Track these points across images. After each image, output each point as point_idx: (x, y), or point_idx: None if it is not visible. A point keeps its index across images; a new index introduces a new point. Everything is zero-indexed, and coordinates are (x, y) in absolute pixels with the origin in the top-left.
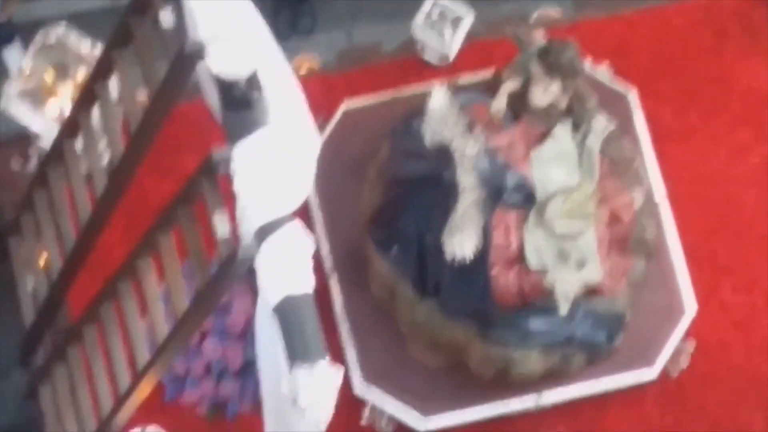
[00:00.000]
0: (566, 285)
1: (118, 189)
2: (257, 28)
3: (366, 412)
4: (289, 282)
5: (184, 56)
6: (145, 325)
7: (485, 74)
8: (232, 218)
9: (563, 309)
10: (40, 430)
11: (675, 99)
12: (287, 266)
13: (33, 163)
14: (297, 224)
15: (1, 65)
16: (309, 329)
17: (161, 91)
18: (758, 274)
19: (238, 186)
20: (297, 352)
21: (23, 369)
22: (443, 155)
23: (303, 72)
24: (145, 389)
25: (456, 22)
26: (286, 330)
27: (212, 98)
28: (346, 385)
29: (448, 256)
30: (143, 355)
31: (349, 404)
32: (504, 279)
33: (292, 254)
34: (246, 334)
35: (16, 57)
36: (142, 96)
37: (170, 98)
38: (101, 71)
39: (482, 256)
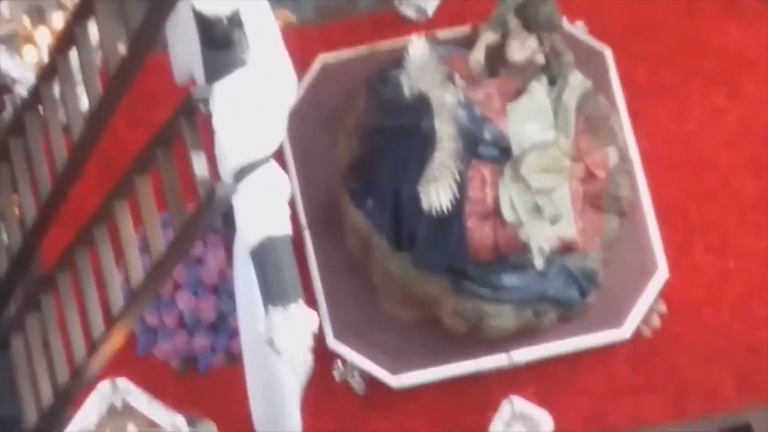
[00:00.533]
0: (541, 239)
1: (95, 134)
2: None
3: (338, 368)
4: (267, 223)
5: None
6: (119, 273)
7: (463, 30)
8: (210, 159)
9: (538, 263)
10: (12, 380)
11: (650, 58)
12: (265, 207)
13: (8, 111)
14: (275, 166)
15: None
16: (286, 271)
17: (141, 31)
18: (730, 235)
19: (217, 125)
20: (273, 294)
21: None
22: (421, 105)
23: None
24: (118, 337)
25: None
26: (262, 271)
27: (179, 46)
28: (319, 339)
29: (425, 205)
30: (118, 302)
31: (321, 359)
32: (479, 232)
33: (270, 195)
34: (219, 288)
35: None
36: (120, 41)
37: (149, 39)
38: (81, 14)
39: (458, 207)
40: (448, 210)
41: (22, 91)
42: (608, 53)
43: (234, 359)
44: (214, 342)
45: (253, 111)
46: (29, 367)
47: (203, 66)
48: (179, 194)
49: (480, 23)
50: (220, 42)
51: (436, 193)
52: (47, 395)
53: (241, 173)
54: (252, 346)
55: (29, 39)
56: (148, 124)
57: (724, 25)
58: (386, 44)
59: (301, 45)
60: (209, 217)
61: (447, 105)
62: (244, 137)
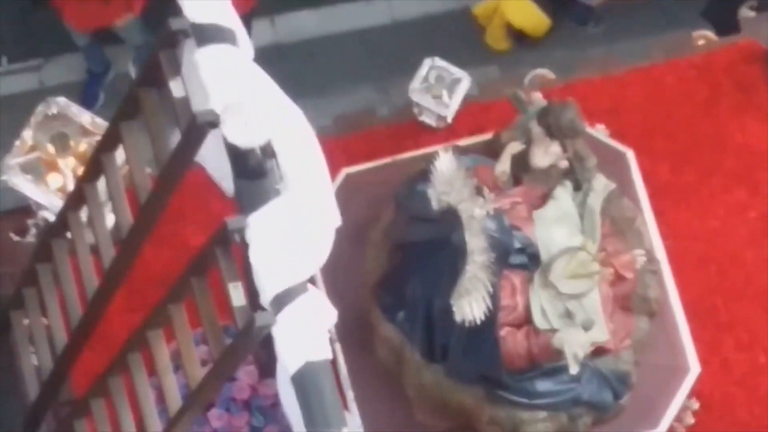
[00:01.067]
0: (575, 346)
1: (127, 260)
2: (272, 94)
3: None
4: (306, 349)
5: (197, 125)
6: (154, 398)
7: (484, 136)
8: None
9: (573, 369)
10: None
11: (671, 157)
12: (305, 334)
13: (31, 235)
14: (315, 292)
15: None
16: (327, 397)
17: (172, 160)
18: (758, 330)
19: (253, 256)
20: (316, 422)
21: None
22: (450, 218)
23: None
24: None
25: (453, 84)
26: (303, 398)
27: (215, 166)
28: None
29: (458, 318)
30: (155, 428)
31: None
32: (512, 340)
33: (309, 322)
34: (251, 404)
35: None
36: (147, 169)
37: (181, 167)
38: (108, 142)
39: (490, 318)
40: (477, 323)
41: (47, 216)
42: (630, 155)
43: None
44: None
45: (289, 240)
46: None
47: (237, 197)
48: (216, 323)
49: (501, 130)
50: (253, 173)
51: (469, 306)
52: None
53: (278, 302)
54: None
55: (53, 166)
56: (174, 242)
57: (741, 121)
58: (408, 153)
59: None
60: (249, 347)
61: (476, 218)
62: (280, 266)
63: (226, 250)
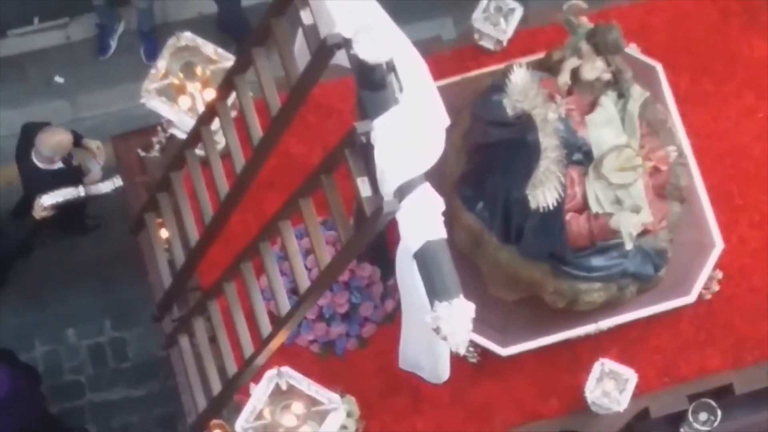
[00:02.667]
0: (629, 226)
1: (257, 166)
2: (387, 21)
3: None
4: (426, 230)
5: (326, 47)
6: (282, 280)
7: (534, 56)
8: None
9: (628, 245)
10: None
11: (691, 70)
12: (424, 218)
13: (155, 150)
14: (428, 185)
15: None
16: (446, 269)
17: (303, 77)
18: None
19: (379, 154)
20: (437, 290)
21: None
22: (524, 122)
23: None
24: (283, 335)
25: (508, 13)
26: (426, 272)
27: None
28: None
29: (533, 205)
30: (285, 307)
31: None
32: (576, 223)
33: (427, 208)
34: (350, 284)
35: None
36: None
37: (309, 84)
38: (241, 65)
39: (559, 204)
40: (551, 208)
41: (176, 132)
42: (659, 68)
43: (364, 342)
44: (348, 329)
45: (409, 139)
46: (197, 362)
47: (361, 105)
48: (343, 213)
49: (551, 50)
50: (377, 85)
51: (543, 195)
52: (216, 384)
53: (401, 192)
54: (413, 319)
55: (182, 90)
56: (276, 152)
57: (748, 37)
58: (473, 72)
59: None
60: (375, 230)
61: (549, 121)
62: (401, 162)
63: (354, 151)
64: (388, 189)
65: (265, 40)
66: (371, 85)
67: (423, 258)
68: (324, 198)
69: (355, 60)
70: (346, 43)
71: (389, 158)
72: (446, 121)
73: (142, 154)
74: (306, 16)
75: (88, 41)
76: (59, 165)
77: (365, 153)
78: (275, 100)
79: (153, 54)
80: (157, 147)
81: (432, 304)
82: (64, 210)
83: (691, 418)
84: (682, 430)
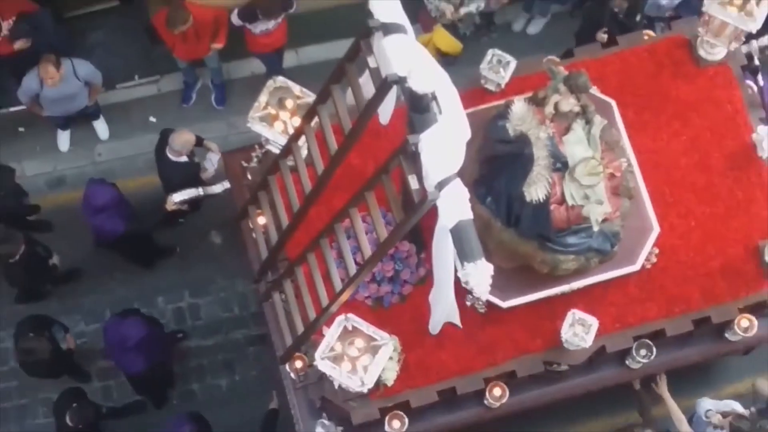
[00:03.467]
0: (597, 214)
1: (333, 170)
2: (431, 61)
3: (469, 297)
4: (459, 213)
5: (387, 83)
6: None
7: (524, 95)
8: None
9: (595, 227)
10: (273, 322)
11: (635, 105)
12: (457, 204)
13: (254, 163)
14: (459, 180)
15: (93, 133)
16: (473, 240)
17: (368, 105)
18: (689, 205)
19: (425, 157)
20: (467, 254)
21: (255, 285)
22: (522, 140)
23: None
24: (350, 290)
25: (506, 65)
26: (459, 242)
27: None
28: (457, 280)
29: (528, 199)
30: (352, 269)
31: (458, 292)
32: (558, 212)
33: (459, 197)
34: (395, 256)
35: (103, 128)
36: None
37: (372, 110)
38: (322, 97)
39: (546, 198)
40: (541, 201)
41: (272, 148)
42: (613, 104)
43: (404, 298)
44: (393, 288)
45: (445, 148)
46: (285, 312)
47: (410, 123)
48: (398, 201)
49: (536, 90)
50: (423, 109)
51: (536, 191)
52: (299, 327)
53: (440, 185)
54: (442, 280)
55: (276, 117)
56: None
57: (676, 83)
58: (480, 107)
59: None
60: (421, 213)
61: (541, 138)
62: (441, 164)
63: (406, 156)
64: (430, 183)
65: (340, 79)
66: (419, 109)
67: (457, 232)
68: (383, 193)
69: (408, 91)
70: (401, 80)
71: (432, 161)
72: (469, 134)
73: (245, 164)
74: (371, 61)
75: (173, 92)
76: (185, 159)
77: (414, 158)
78: (347, 123)
79: (222, 100)
80: (255, 160)
81: (462, 264)
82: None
83: (634, 353)
84: (627, 361)
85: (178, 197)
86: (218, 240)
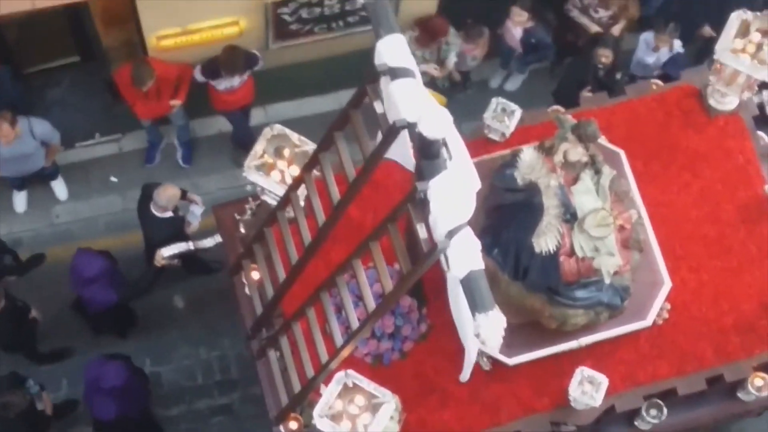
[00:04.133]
0: (609, 266)
1: (335, 221)
2: (438, 107)
3: None
4: (469, 262)
5: (395, 128)
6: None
7: (529, 145)
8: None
9: (607, 280)
10: (267, 380)
11: (644, 156)
12: (467, 254)
13: (247, 215)
14: (469, 228)
15: (51, 193)
16: (484, 290)
17: (375, 152)
18: (701, 259)
19: (434, 205)
20: (477, 306)
21: (248, 342)
22: (531, 188)
23: None
24: (353, 344)
25: (510, 114)
26: (470, 292)
27: (399, 155)
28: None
29: (537, 250)
30: (355, 324)
31: (461, 349)
32: (568, 264)
33: (469, 246)
34: (395, 311)
35: (61, 188)
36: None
37: (379, 157)
38: (325, 144)
39: (556, 250)
40: (551, 252)
41: (268, 199)
42: (622, 154)
43: (405, 355)
44: (394, 345)
45: (455, 195)
46: (281, 369)
47: (418, 170)
48: (404, 251)
49: (544, 140)
50: (433, 155)
51: (545, 242)
52: (296, 385)
53: (450, 234)
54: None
55: (273, 166)
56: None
57: (686, 133)
58: (486, 157)
59: None
60: (429, 264)
61: (551, 187)
62: (451, 212)
63: (415, 205)
64: (440, 232)
65: (344, 126)
66: (428, 155)
67: (468, 282)
68: (386, 244)
69: (418, 136)
70: (409, 126)
71: (442, 209)
72: (479, 184)
73: (238, 217)
74: (378, 106)
75: (136, 151)
76: (170, 214)
77: (422, 206)
78: (351, 170)
79: (189, 159)
80: (248, 212)
81: (474, 316)
82: (186, 258)
83: (644, 413)
84: (636, 422)
85: (168, 252)
86: (180, 305)
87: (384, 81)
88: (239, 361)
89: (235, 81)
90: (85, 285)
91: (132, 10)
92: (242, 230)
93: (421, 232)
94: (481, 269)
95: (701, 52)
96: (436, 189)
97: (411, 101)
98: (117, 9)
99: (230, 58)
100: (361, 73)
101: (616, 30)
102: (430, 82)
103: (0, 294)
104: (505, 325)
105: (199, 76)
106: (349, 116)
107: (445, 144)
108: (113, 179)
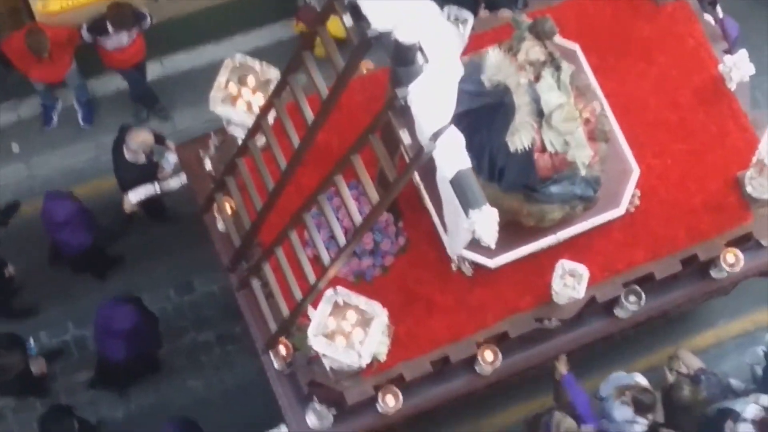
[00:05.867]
0: (582, 157)
1: (309, 142)
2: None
3: (454, 261)
4: (457, 162)
5: (367, 39)
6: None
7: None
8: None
9: (583, 171)
10: (250, 310)
11: (597, 50)
12: (454, 153)
13: (211, 150)
14: (453, 128)
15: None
16: (474, 188)
17: (348, 65)
18: (664, 144)
19: (416, 110)
20: (470, 203)
21: (229, 273)
22: (500, 89)
23: (364, 71)
24: (342, 260)
25: (464, 21)
26: (460, 191)
27: None
28: (441, 245)
29: (512, 148)
30: (342, 241)
31: (441, 258)
32: (542, 160)
33: (455, 145)
34: (374, 227)
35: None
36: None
37: (351, 71)
38: (293, 66)
39: (531, 147)
40: (527, 149)
41: (234, 131)
42: (578, 48)
43: (387, 270)
44: (374, 261)
45: (435, 97)
46: (267, 296)
47: (394, 78)
48: (389, 160)
49: (500, 42)
50: (409, 61)
51: (520, 139)
52: (285, 310)
53: (434, 136)
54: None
55: (237, 96)
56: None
57: (637, 24)
58: None
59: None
60: (416, 167)
61: (522, 84)
62: (433, 114)
63: (395, 111)
64: (424, 136)
65: (311, 46)
66: (405, 62)
67: (458, 182)
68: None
69: (394, 43)
70: (382, 35)
71: (424, 112)
72: (461, 71)
73: (202, 154)
74: (347, 19)
75: (36, 117)
76: (143, 159)
77: (403, 112)
78: (323, 87)
79: (90, 119)
80: (212, 148)
81: (467, 213)
82: (149, 204)
83: (623, 300)
84: (615, 311)
85: (134, 197)
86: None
87: None
88: (210, 301)
89: (124, 39)
90: (57, 229)
91: None
92: (208, 167)
93: (404, 137)
94: (468, 167)
95: None
96: (416, 93)
97: (382, 8)
98: None
99: (117, 13)
100: (254, 17)
101: None
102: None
103: None
104: (497, 217)
105: (86, 34)
106: (317, 32)
107: (420, 48)
108: (15, 148)
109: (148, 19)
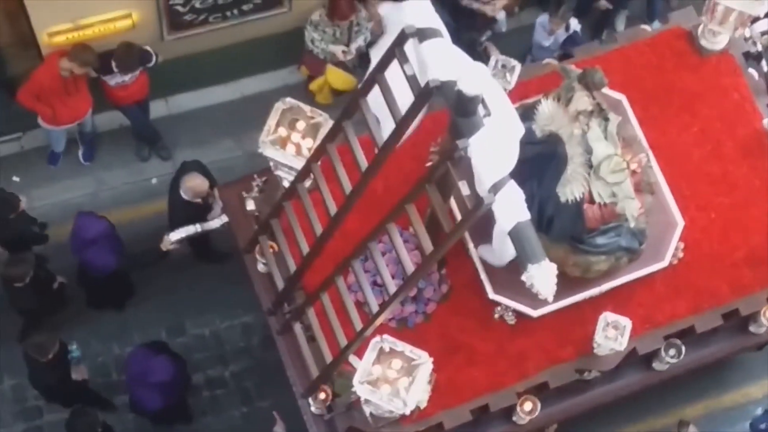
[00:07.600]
0: (632, 210)
1: (362, 189)
2: (471, 62)
3: (497, 311)
4: (516, 214)
5: (429, 89)
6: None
7: (530, 99)
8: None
9: (632, 223)
10: (290, 354)
11: (642, 101)
12: (513, 205)
13: (254, 192)
14: (512, 181)
15: None
16: (534, 241)
17: (408, 113)
18: (708, 197)
19: (476, 161)
20: (529, 257)
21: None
22: (552, 139)
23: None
24: (390, 308)
25: (511, 69)
26: (519, 244)
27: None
28: (483, 293)
29: (563, 199)
30: (391, 286)
31: (484, 306)
32: (591, 211)
33: (514, 199)
34: None
35: None
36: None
37: (410, 119)
38: (348, 112)
39: (581, 198)
40: (577, 200)
41: (281, 174)
42: (624, 100)
43: (429, 317)
44: (417, 308)
45: (495, 150)
46: (309, 342)
47: (453, 129)
48: (445, 209)
49: (548, 92)
50: (471, 112)
51: (571, 191)
52: (328, 356)
53: (494, 188)
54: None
55: (287, 140)
56: None
57: (679, 74)
58: None
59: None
60: (473, 220)
61: (575, 136)
62: (493, 166)
63: (454, 162)
64: (483, 187)
65: (369, 92)
66: (466, 113)
67: (516, 234)
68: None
69: (457, 95)
70: (444, 85)
71: (484, 163)
72: (522, 130)
73: (245, 195)
74: (408, 69)
75: (39, 149)
76: (199, 200)
77: (461, 163)
78: (380, 134)
79: (90, 156)
80: (255, 189)
81: (525, 267)
82: (195, 243)
83: (663, 354)
84: (654, 364)
85: (176, 236)
86: None
87: (412, 43)
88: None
89: (127, 77)
90: (84, 246)
91: (21, 6)
92: (251, 208)
93: (463, 189)
94: (527, 219)
95: (598, 24)
96: (477, 145)
97: (444, 60)
98: (6, 5)
99: (125, 56)
100: (261, 60)
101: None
102: (340, 62)
103: (30, 263)
104: (556, 271)
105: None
106: (375, 80)
107: (482, 100)
108: (15, 179)
109: (154, 58)
